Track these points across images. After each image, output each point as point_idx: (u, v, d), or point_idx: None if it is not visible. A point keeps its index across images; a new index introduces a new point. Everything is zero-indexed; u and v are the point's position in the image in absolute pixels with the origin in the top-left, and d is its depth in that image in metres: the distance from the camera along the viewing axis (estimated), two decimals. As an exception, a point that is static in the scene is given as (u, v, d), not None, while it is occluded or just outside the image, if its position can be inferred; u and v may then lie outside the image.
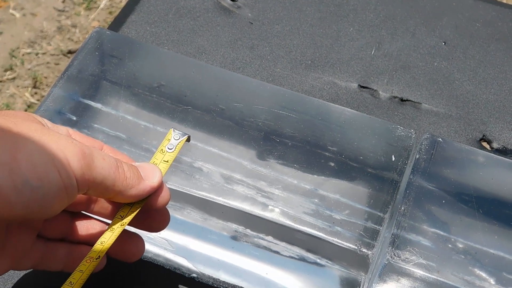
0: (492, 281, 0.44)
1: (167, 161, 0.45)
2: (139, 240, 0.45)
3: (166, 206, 0.44)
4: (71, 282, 0.40)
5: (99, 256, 0.41)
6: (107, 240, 0.42)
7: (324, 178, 0.49)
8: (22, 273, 0.50)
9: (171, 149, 0.45)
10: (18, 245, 0.42)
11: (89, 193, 0.40)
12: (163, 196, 0.43)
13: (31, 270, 0.49)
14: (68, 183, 0.37)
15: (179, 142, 0.46)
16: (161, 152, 0.45)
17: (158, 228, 0.45)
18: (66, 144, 0.38)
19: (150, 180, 0.42)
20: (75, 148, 0.38)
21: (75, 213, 0.45)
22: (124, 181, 0.40)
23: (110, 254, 0.45)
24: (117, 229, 0.42)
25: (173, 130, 0.46)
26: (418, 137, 0.53)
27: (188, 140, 0.47)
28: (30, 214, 0.37)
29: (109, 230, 0.42)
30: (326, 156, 0.50)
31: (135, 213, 0.42)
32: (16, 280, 0.49)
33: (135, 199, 0.42)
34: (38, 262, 0.44)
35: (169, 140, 0.46)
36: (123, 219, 0.42)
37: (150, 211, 0.44)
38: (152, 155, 0.49)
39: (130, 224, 0.44)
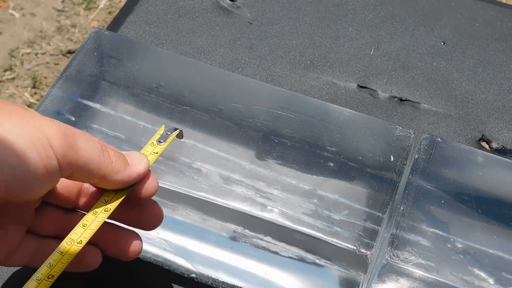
0: (491, 281, 0.44)
1: (157, 153, 0.44)
2: (136, 238, 0.45)
3: (161, 206, 0.44)
4: (50, 263, 0.39)
5: (81, 240, 0.40)
6: (89, 223, 0.41)
7: (323, 179, 0.49)
8: (12, 271, 0.49)
9: (161, 142, 0.45)
10: (6, 239, 0.41)
11: (73, 177, 0.39)
12: (150, 184, 0.42)
13: (23, 267, 0.49)
14: (48, 163, 0.37)
15: (171, 135, 0.46)
16: (152, 145, 0.45)
17: (152, 224, 0.44)
18: (47, 124, 0.37)
19: (137, 166, 0.42)
20: (56, 128, 0.37)
21: (68, 210, 0.45)
22: (109, 165, 0.40)
23: (107, 253, 0.45)
24: (100, 214, 0.41)
25: (165, 126, 0.46)
26: (417, 137, 0.53)
27: (180, 136, 0.46)
28: (11, 195, 0.36)
29: (91, 213, 0.41)
30: (325, 156, 0.50)
31: (120, 199, 0.42)
32: (6, 279, 0.49)
33: (121, 185, 0.41)
34: (30, 259, 0.43)
35: (160, 134, 0.46)
36: (107, 204, 0.41)
37: (142, 207, 0.44)
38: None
39: (123, 222, 0.43)
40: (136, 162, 0.42)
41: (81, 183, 0.44)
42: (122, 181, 0.41)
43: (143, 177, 0.42)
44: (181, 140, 0.48)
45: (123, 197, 0.42)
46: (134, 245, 0.44)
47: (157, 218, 0.44)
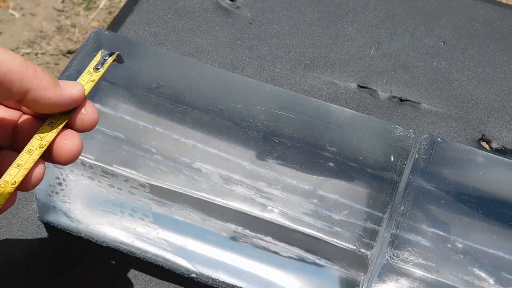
0: (491, 281, 0.44)
1: (93, 81, 0.42)
2: (40, 165, 0.39)
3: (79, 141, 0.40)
4: None
5: (15, 181, 0.38)
6: (24, 162, 0.38)
7: (323, 179, 0.49)
8: None
9: (98, 68, 0.43)
10: None
11: None
12: (87, 114, 0.39)
13: None
14: None
15: (108, 60, 0.43)
16: (88, 73, 0.42)
17: (66, 152, 0.39)
18: None
19: (69, 90, 0.38)
20: None
21: (2, 148, 0.41)
22: (34, 79, 0.36)
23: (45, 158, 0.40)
24: (35, 151, 0.39)
25: (102, 51, 0.44)
26: (417, 137, 0.53)
27: (119, 60, 0.44)
28: None
29: (26, 151, 0.39)
30: (325, 157, 0.50)
31: (55, 132, 0.39)
32: None
33: (52, 107, 0.38)
34: None
35: (97, 61, 0.43)
36: (42, 141, 0.39)
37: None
38: (151, 155, 0.49)
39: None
40: (68, 86, 0.38)
41: (16, 117, 0.41)
42: (51, 100, 0.37)
43: (79, 105, 0.39)
44: (182, 140, 0.48)
45: (58, 130, 0.39)
46: (35, 173, 0.39)
47: (70, 146, 0.39)
